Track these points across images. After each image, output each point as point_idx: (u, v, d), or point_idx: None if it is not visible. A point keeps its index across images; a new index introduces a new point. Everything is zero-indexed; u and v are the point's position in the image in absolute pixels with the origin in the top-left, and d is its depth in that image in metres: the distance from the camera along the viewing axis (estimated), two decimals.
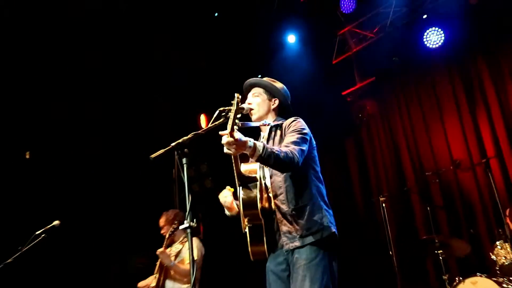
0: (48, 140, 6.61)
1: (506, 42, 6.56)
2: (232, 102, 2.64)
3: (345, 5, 6.94)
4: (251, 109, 3.21)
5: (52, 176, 6.53)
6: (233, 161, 2.87)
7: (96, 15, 6.13)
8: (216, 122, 2.92)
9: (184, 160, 2.80)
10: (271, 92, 3.29)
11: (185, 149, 2.80)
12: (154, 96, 7.12)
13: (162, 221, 4.98)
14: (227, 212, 3.22)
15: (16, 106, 6.31)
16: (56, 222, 4.36)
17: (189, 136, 2.83)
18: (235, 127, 2.59)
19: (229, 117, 2.65)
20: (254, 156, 2.69)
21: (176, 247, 4.89)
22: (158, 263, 4.74)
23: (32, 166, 6.42)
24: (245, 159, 2.97)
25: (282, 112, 3.31)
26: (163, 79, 7.09)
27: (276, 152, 2.72)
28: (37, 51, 6.15)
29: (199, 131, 2.89)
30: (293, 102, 3.39)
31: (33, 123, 6.48)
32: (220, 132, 2.64)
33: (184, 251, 4.79)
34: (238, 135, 2.59)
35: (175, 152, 2.81)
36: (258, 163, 2.97)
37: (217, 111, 2.91)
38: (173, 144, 2.81)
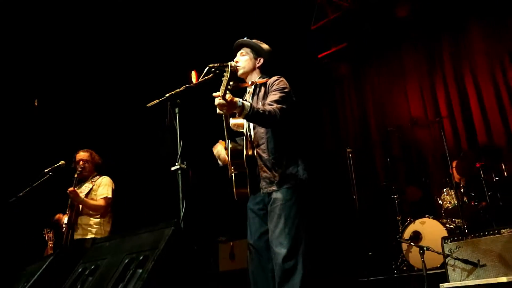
0: (54, 90, 6.56)
1: (466, 17, 6.63)
2: (226, 69, 2.77)
3: None
4: (238, 66, 3.24)
5: (57, 122, 6.54)
6: (223, 118, 3.00)
7: None
8: (206, 78, 2.99)
9: (176, 110, 2.85)
10: (257, 52, 3.29)
11: (178, 100, 2.87)
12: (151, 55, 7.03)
13: (84, 157, 4.71)
14: (219, 162, 3.29)
15: (25, 56, 6.20)
16: (61, 162, 4.47)
17: (182, 88, 2.89)
18: (227, 90, 2.67)
19: (218, 73, 2.77)
20: (241, 115, 2.78)
21: (86, 186, 4.64)
22: (69, 201, 4.48)
23: (41, 113, 6.46)
24: (234, 114, 3.05)
25: (267, 70, 3.30)
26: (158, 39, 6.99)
27: (261, 111, 2.81)
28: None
29: (191, 84, 2.96)
30: (276, 62, 3.36)
31: (41, 73, 6.40)
32: (214, 94, 2.72)
33: (95, 189, 4.59)
34: (229, 97, 2.67)
35: (168, 102, 2.86)
36: None
37: (207, 68, 2.97)
38: (167, 95, 2.87)
